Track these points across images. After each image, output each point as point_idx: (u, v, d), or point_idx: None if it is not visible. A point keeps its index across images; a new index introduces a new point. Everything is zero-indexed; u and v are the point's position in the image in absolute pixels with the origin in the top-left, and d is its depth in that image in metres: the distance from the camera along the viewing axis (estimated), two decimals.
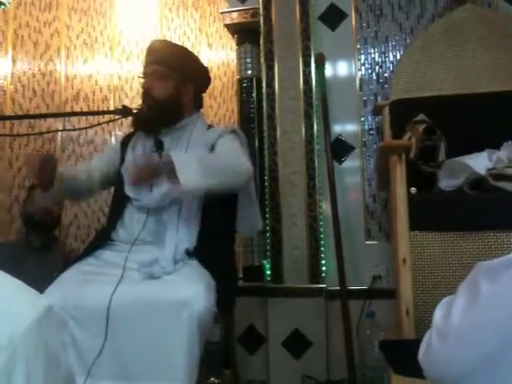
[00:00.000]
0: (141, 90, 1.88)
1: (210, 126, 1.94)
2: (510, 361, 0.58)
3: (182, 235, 1.67)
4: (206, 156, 1.72)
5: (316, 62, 2.38)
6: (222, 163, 1.66)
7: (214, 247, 1.69)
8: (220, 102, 2.90)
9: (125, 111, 1.81)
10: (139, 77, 1.92)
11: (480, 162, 1.69)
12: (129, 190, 1.78)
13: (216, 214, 1.75)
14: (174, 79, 1.83)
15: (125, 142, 1.94)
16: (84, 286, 1.59)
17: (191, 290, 1.50)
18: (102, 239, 1.79)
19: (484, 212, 1.61)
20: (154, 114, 1.78)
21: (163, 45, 1.96)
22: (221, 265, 1.68)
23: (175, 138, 1.84)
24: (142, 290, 1.54)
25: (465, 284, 0.65)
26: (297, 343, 2.24)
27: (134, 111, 1.81)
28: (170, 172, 1.55)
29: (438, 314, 0.68)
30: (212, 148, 1.79)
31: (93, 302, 1.52)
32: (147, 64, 1.85)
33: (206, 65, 2.89)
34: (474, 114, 1.99)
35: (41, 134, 2.93)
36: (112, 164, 1.92)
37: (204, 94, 2.04)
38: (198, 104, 1.97)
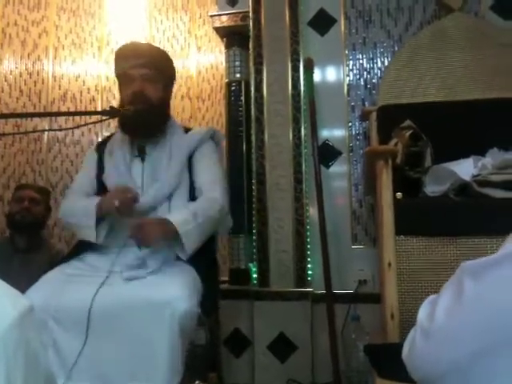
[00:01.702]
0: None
1: (186, 129, 1.95)
2: (492, 360, 0.59)
3: None
4: (199, 217, 1.68)
5: (305, 66, 2.39)
6: (210, 220, 1.69)
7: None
8: (208, 105, 2.90)
9: (112, 112, 1.80)
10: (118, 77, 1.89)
11: (465, 169, 1.70)
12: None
13: None
14: (162, 83, 1.84)
15: (101, 149, 1.93)
16: (66, 287, 1.58)
17: (173, 291, 1.49)
18: (88, 242, 1.76)
19: (468, 218, 1.62)
20: (146, 117, 1.76)
21: (149, 48, 1.94)
22: (203, 266, 1.68)
23: (155, 142, 1.85)
24: (123, 291, 1.53)
25: (449, 283, 0.66)
26: (282, 347, 2.24)
27: (122, 112, 1.80)
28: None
29: (422, 313, 0.68)
30: (192, 154, 1.82)
31: (74, 304, 1.51)
32: (135, 66, 1.81)
33: (194, 67, 2.93)
34: (460, 120, 2.01)
35: (26, 133, 2.91)
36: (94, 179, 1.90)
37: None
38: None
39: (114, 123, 2.90)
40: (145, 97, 1.78)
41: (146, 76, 1.80)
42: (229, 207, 1.87)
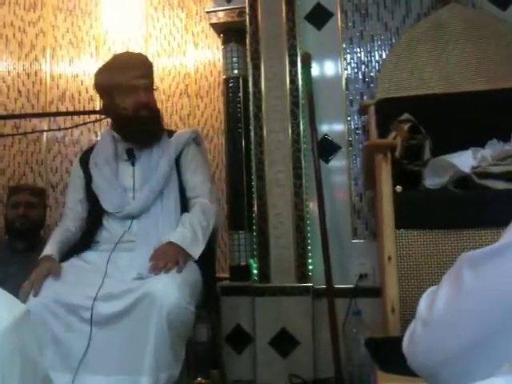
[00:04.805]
0: None
1: (169, 132, 1.98)
2: (491, 350, 0.59)
3: (163, 234, 1.71)
4: (197, 224, 1.76)
5: (302, 61, 2.38)
6: (206, 224, 1.77)
7: None
8: (207, 102, 2.90)
9: (110, 111, 1.80)
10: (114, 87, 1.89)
11: (464, 161, 1.70)
12: (108, 207, 1.80)
13: None
14: (152, 90, 1.89)
15: (85, 160, 1.93)
16: (67, 285, 1.59)
17: (160, 285, 1.50)
18: (86, 241, 1.81)
19: (468, 210, 1.62)
20: (153, 126, 1.84)
21: (142, 57, 1.96)
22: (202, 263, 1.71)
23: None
24: (122, 286, 1.56)
25: (448, 274, 0.66)
26: (284, 342, 2.24)
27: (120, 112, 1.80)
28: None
29: (423, 303, 0.68)
30: (179, 154, 1.87)
31: (76, 301, 1.54)
32: (137, 77, 1.82)
33: (192, 65, 2.93)
34: (458, 112, 2.00)
35: (25, 134, 2.91)
36: (84, 198, 1.92)
37: None
38: None
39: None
40: (150, 107, 1.83)
41: (146, 86, 1.84)
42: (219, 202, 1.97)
